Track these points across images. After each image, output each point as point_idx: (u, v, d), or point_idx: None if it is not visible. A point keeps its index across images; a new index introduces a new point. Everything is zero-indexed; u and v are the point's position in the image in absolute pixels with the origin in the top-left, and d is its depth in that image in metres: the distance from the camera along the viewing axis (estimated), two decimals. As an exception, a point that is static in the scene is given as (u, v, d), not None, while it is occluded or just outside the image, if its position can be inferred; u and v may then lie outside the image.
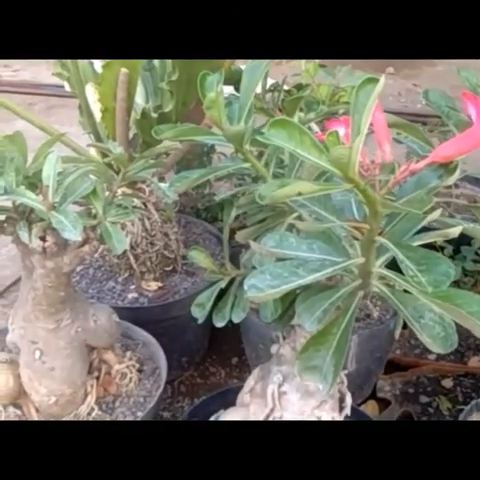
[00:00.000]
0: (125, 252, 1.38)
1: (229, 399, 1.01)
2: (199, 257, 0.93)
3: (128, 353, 1.15)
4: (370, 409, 1.36)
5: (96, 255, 1.45)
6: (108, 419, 1.05)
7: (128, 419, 1.05)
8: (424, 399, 1.41)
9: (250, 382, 0.95)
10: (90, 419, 1.03)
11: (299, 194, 0.52)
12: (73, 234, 0.78)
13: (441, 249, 1.59)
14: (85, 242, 0.90)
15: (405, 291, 0.66)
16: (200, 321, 0.92)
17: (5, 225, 0.92)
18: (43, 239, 0.87)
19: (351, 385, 0.91)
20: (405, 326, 0.81)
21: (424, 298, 0.55)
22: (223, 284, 0.91)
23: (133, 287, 1.41)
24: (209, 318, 0.94)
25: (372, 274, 0.65)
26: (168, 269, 1.44)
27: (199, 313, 0.92)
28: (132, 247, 1.37)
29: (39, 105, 3.12)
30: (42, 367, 0.98)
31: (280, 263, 0.64)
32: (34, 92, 3.28)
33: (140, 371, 1.15)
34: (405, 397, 1.41)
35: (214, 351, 1.60)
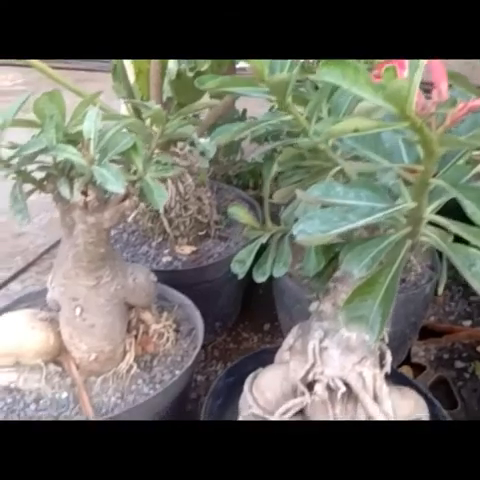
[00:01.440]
0: (158, 216, 1.39)
1: (265, 359, 1.01)
2: (239, 213, 0.92)
3: (165, 314, 1.15)
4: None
5: (130, 220, 1.46)
6: (147, 377, 1.06)
7: (166, 377, 1.06)
8: (459, 364, 1.40)
9: (289, 340, 0.95)
10: (129, 376, 1.05)
11: (355, 130, 0.51)
12: (116, 186, 0.78)
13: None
14: (125, 197, 0.90)
15: (455, 240, 0.64)
16: (240, 277, 0.92)
17: (45, 183, 0.92)
18: (85, 194, 0.87)
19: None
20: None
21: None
22: (264, 240, 0.91)
23: (167, 251, 1.41)
24: (242, 282, 0.93)
25: (423, 221, 0.64)
26: (201, 233, 1.44)
27: (240, 269, 0.91)
28: (166, 211, 1.37)
29: (66, 79, 3.13)
30: (83, 324, 0.99)
31: (329, 208, 0.63)
32: (61, 66, 3.30)
33: (177, 331, 1.16)
34: (440, 362, 1.40)
35: (246, 317, 1.61)
